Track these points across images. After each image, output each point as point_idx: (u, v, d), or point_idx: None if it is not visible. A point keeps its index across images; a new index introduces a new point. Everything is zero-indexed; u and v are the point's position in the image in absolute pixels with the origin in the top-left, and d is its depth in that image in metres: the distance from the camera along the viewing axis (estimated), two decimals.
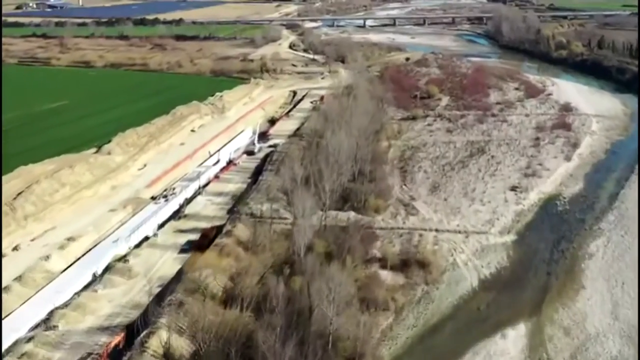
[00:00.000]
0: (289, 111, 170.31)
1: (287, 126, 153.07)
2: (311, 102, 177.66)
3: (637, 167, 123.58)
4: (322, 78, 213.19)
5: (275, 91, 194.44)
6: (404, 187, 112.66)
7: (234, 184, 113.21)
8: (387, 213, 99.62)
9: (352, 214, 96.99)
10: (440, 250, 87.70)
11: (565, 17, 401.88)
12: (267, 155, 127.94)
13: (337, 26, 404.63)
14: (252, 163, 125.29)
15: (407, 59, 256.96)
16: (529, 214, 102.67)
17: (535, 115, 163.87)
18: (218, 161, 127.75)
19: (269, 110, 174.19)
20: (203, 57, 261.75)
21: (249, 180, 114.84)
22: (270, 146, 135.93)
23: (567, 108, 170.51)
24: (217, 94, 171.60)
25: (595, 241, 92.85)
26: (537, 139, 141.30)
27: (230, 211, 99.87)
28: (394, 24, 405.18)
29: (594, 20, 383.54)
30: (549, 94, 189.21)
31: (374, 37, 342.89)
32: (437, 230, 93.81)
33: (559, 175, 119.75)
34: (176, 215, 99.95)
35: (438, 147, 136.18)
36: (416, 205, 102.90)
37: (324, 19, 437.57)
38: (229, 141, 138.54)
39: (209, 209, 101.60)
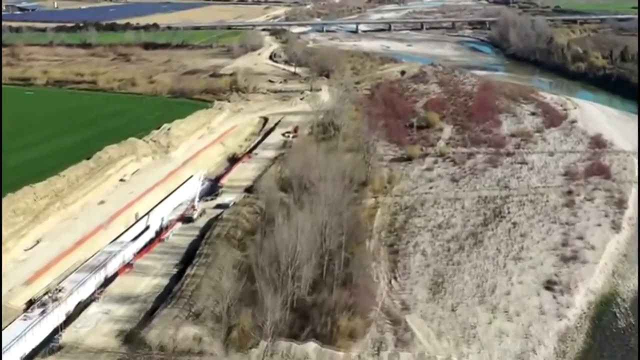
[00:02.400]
0: (253, 148, 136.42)
1: (246, 172, 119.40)
2: (283, 135, 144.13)
3: None
4: (302, 99, 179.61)
5: (243, 118, 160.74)
6: (393, 282, 79.14)
7: (151, 279, 79.31)
8: (367, 340, 66.02)
9: (312, 346, 63.43)
10: None
11: (574, 22, 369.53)
12: (209, 224, 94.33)
13: (327, 31, 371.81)
14: (186, 237, 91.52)
15: (403, 73, 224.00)
16: (578, 337, 69.21)
17: (562, 153, 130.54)
18: (147, 228, 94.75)
19: (230, 144, 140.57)
20: (169, 69, 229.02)
21: (174, 271, 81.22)
22: (218, 206, 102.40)
23: (599, 142, 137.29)
24: (165, 125, 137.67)
25: None
26: (570, 192, 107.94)
27: (130, 336, 66.34)
28: (389, 29, 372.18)
29: (607, 24, 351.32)
30: (574, 121, 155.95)
31: (366, 44, 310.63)
32: None
33: (609, 256, 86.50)
34: (48, 344, 66.35)
35: (441, 207, 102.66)
36: (410, 322, 69.24)
37: (313, 23, 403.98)
38: (166, 197, 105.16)
39: (99, 333, 67.70)
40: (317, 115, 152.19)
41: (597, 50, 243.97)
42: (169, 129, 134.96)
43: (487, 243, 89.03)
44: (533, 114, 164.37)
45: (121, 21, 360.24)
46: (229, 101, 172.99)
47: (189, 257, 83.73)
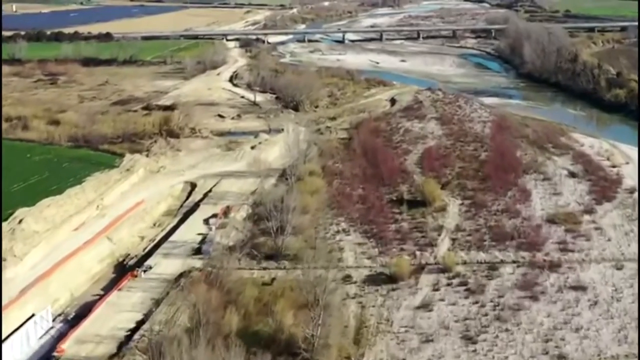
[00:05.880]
0: (151, 252, 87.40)
1: (118, 315, 70.79)
2: (205, 222, 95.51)
3: None
4: (253, 147, 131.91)
5: (160, 183, 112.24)
6: None
7: None
8: None
9: None
10: None
11: (592, 30, 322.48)
12: None
13: (310, 41, 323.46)
14: None
15: (393, 102, 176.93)
16: None
17: (634, 262, 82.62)
18: None
19: (124, 238, 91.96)
20: (99, 96, 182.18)
21: None
22: None
23: None
24: (18, 213, 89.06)
25: None
26: None
27: None
28: (380, 39, 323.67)
29: (631, 33, 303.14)
30: (632, 191, 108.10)
31: (352, 59, 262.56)
32: None
33: None
34: None
35: None
36: None
37: (294, 32, 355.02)
38: None
39: None
40: (265, 178, 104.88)
41: (635, 71, 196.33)
42: (20, 221, 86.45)
43: None
44: (572, 175, 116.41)
45: (72, 29, 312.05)
46: (148, 154, 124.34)
47: None
